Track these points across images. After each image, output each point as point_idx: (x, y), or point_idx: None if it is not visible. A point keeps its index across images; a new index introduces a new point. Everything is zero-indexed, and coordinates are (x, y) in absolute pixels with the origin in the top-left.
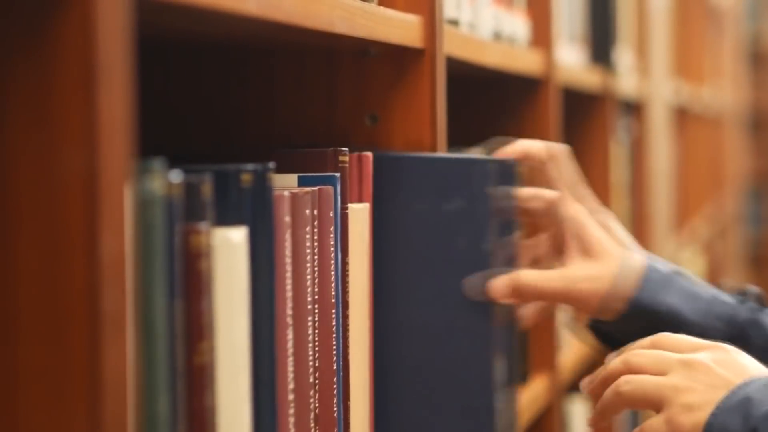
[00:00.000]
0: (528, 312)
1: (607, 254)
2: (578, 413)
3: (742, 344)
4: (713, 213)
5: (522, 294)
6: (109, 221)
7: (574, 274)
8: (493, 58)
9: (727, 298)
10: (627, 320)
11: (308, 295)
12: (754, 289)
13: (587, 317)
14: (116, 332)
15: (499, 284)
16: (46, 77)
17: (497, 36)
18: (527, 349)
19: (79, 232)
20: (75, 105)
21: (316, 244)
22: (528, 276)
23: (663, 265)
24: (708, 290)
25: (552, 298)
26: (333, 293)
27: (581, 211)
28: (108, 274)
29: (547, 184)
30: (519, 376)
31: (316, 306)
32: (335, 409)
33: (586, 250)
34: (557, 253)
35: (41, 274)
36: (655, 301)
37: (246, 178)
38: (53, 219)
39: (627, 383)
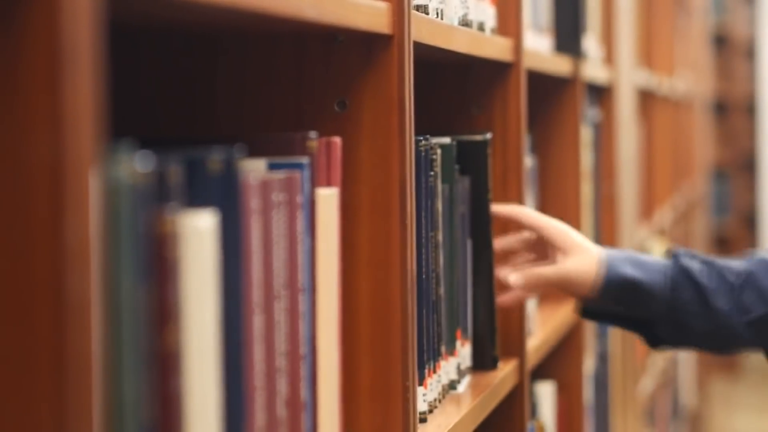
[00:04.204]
0: (507, 298)
1: (585, 248)
2: (546, 397)
3: (679, 288)
4: (679, 200)
5: (535, 283)
6: (75, 207)
7: (572, 260)
8: (461, 44)
9: (661, 259)
10: (603, 295)
11: (276, 281)
12: (680, 248)
13: (580, 302)
14: (82, 318)
15: (519, 278)
16: (11, 63)
17: (465, 23)
18: (497, 335)
19: (45, 217)
20: (40, 91)
21: (284, 229)
22: (537, 269)
23: (615, 250)
24: (651, 257)
25: (556, 282)
26: (301, 278)
27: (559, 222)
28: (74, 259)
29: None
30: (490, 361)
31: (285, 291)
32: (303, 393)
33: (569, 248)
34: (534, 253)
35: (6, 260)
36: (616, 274)
37: (214, 163)
38: (18, 204)
39: None
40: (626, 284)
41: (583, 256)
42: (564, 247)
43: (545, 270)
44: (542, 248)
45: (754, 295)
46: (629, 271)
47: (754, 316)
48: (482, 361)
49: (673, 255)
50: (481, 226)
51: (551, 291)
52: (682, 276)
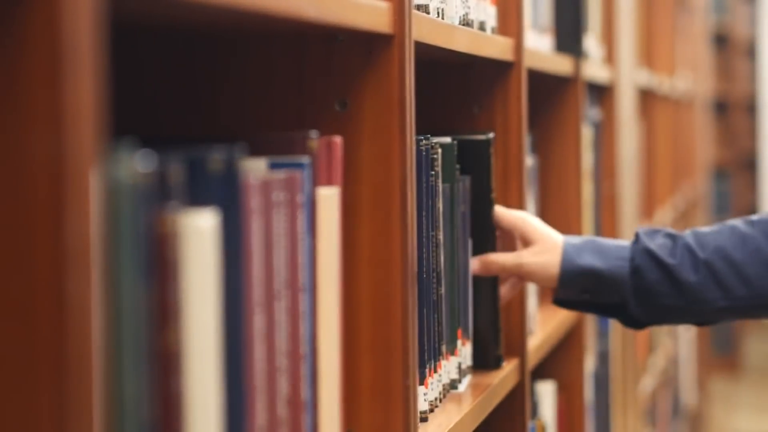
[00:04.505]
0: (503, 290)
1: (546, 238)
2: (546, 396)
3: (641, 271)
4: (680, 200)
5: (489, 269)
6: (75, 207)
7: (530, 250)
8: (461, 43)
9: (625, 242)
10: (565, 286)
11: (277, 280)
12: (642, 228)
13: (551, 293)
14: (82, 318)
15: (475, 264)
16: (12, 62)
17: (466, 22)
18: (500, 335)
19: (45, 217)
20: (41, 90)
21: (285, 229)
22: (494, 255)
23: (575, 238)
24: (612, 242)
25: (512, 271)
26: (302, 278)
27: (520, 212)
28: (74, 259)
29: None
30: (493, 360)
31: (286, 290)
32: (304, 393)
33: (529, 238)
34: (506, 245)
35: (6, 260)
36: (574, 265)
37: (215, 163)
38: (19, 204)
39: None
40: (586, 274)
41: (542, 246)
42: (524, 237)
43: (501, 257)
44: (512, 241)
45: (725, 266)
46: (588, 260)
47: (734, 297)
48: (485, 361)
49: (635, 236)
50: (483, 226)
51: (518, 281)
52: (644, 258)
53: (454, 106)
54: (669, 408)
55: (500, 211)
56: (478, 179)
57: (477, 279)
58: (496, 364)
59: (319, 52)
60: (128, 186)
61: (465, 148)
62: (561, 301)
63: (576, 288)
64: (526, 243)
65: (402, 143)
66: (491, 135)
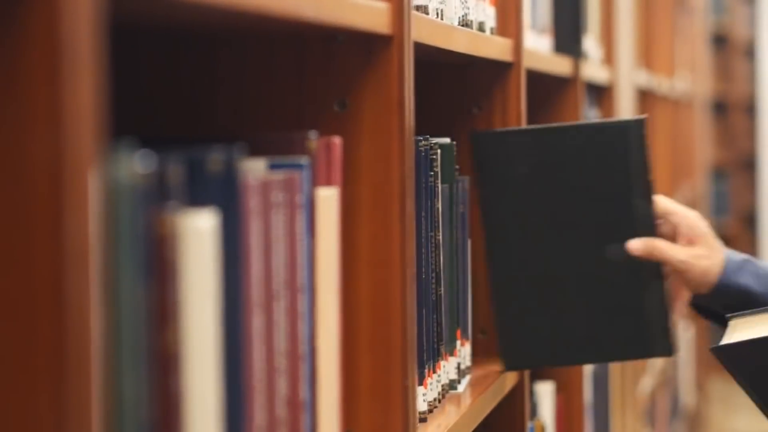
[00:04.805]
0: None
1: (712, 244)
2: (545, 396)
3: None
4: (679, 200)
5: (651, 254)
6: (75, 207)
7: (696, 252)
8: (460, 44)
9: None
10: (714, 297)
11: (276, 280)
12: None
13: (689, 293)
14: (82, 318)
15: (638, 244)
16: (12, 63)
17: (465, 23)
18: (670, 324)
19: (45, 218)
20: (41, 91)
21: (284, 229)
22: (662, 243)
23: (735, 254)
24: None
25: (674, 265)
26: (301, 278)
27: (691, 210)
28: (74, 259)
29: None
30: (666, 348)
31: (285, 291)
32: (303, 393)
33: (696, 239)
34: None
35: (6, 260)
36: (731, 282)
37: (214, 163)
38: (18, 205)
39: None
40: (739, 293)
41: (709, 252)
42: (691, 236)
43: (668, 247)
44: (671, 237)
45: None
46: (746, 280)
47: None
48: (654, 349)
49: None
50: (642, 209)
51: (671, 274)
52: None
53: (453, 107)
54: (668, 408)
55: (670, 203)
56: (635, 163)
57: (646, 265)
58: (668, 352)
59: (319, 53)
60: (128, 186)
61: (613, 133)
62: (697, 307)
63: (723, 302)
64: (690, 242)
65: (401, 143)
66: (644, 116)
